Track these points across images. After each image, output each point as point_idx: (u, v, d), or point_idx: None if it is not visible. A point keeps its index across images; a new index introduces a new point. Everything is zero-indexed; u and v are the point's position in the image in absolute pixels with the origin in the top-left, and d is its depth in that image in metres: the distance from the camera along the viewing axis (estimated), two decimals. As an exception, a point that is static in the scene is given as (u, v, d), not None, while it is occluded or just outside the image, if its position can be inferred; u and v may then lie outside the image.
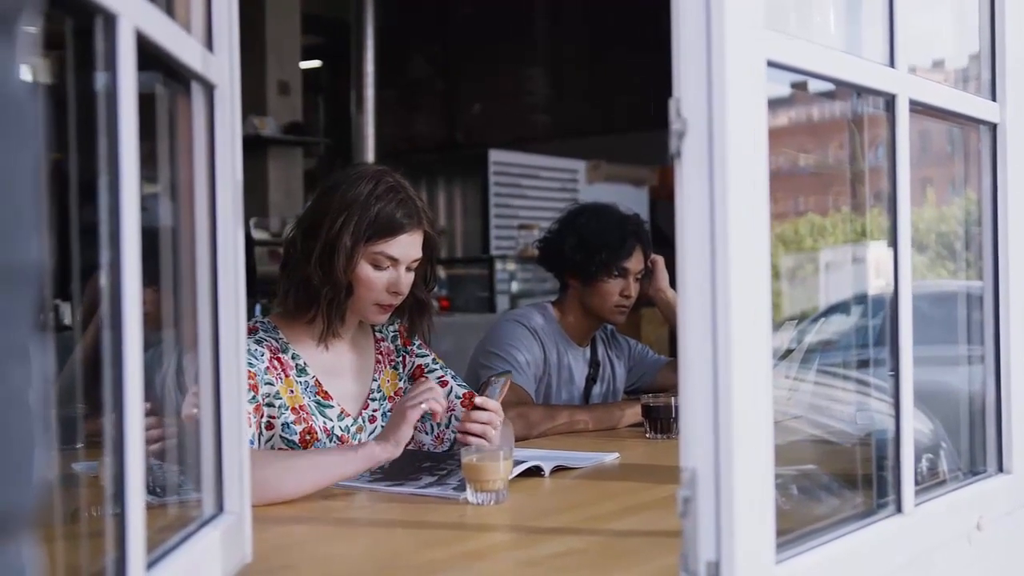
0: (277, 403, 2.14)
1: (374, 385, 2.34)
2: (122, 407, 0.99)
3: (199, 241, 1.34)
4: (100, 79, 0.99)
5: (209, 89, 1.33)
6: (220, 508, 1.36)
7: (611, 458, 2.34)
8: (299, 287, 2.19)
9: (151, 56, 1.10)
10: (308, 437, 2.16)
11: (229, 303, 1.36)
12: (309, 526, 1.79)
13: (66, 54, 1.01)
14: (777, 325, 1.26)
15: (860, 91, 1.53)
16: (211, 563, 1.27)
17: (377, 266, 2.18)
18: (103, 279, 0.99)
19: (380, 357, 2.37)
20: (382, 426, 2.28)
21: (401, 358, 2.40)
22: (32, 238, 0.56)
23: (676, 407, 2.64)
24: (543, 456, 2.19)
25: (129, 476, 0.99)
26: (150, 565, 1.06)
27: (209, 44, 1.33)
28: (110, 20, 0.98)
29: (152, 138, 1.24)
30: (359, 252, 2.16)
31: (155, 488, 1.31)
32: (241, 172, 1.39)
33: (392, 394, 2.36)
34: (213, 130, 1.34)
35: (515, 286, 7.25)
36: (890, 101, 1.49)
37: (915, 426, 1.53)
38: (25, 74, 0.57)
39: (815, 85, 1.50)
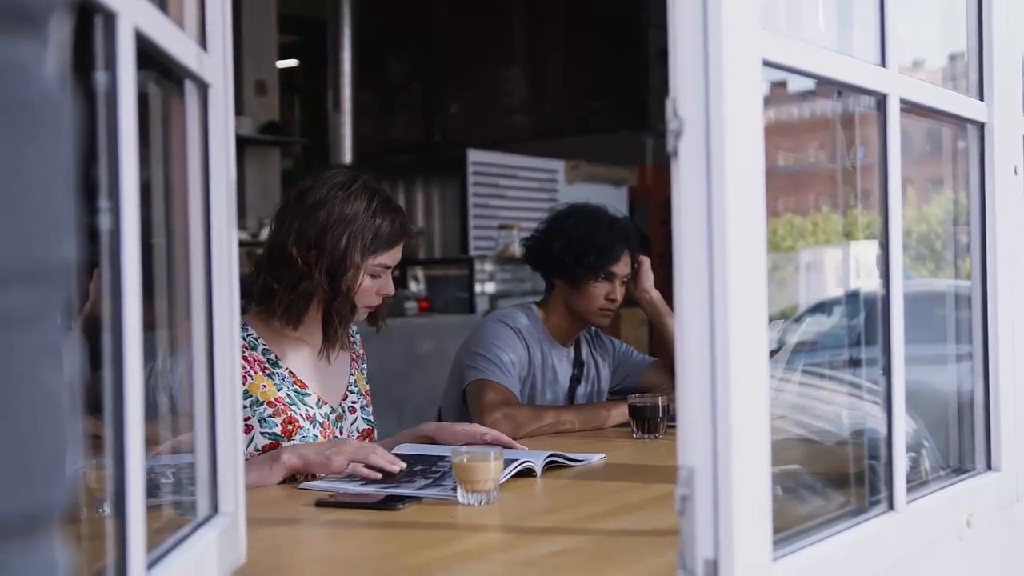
0: (247, 400, 2.16)
1: (351, 379, 2.41)
2: (122, 409, 0.98)
3: (193, 241, 1.33)
4: (99, 78, 0.99)
5: (203, 88, 1.32)
6: (215, 509, 1.35)
7: (598, 458, 2.34)
8: (302, 299, 2.24)
9: (146, 55, 1.09)
10: (290, 427, 2.21)
11: (223, 304, 1.35)
12: (303, 527, 1.78)
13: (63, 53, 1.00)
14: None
15: (852, 90, 1.54)
16: (208, 564, 1.26)
17: (374, 275, 2.27)
18: (103, 279, 0.98)
19: (353, 355, 2.45)
20: (362, 418, 2.39)
21: (364, 365, 2.50)
22: (66, 237, 0.56)
23: (663, 407, 2.64)
24: (532, 455, 2.19)
25: (129, 478, 0.99)
26: (149, 566, 1.06)
27: (203, 43, 1.32)
28: (110, 19, 0.97)
29: (145, 137, 1.23)
30: (365, 266, 2.24)
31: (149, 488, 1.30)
32: (235, 172, 1.38)
33: (364, 391, 2.45)
34: (207, 130, 1.33)
35: (495, 287, 7.23)
36: (881, 100, 1.50)
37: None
38: (57, 72, 0.57)
39: (794, 84, 1.50)
